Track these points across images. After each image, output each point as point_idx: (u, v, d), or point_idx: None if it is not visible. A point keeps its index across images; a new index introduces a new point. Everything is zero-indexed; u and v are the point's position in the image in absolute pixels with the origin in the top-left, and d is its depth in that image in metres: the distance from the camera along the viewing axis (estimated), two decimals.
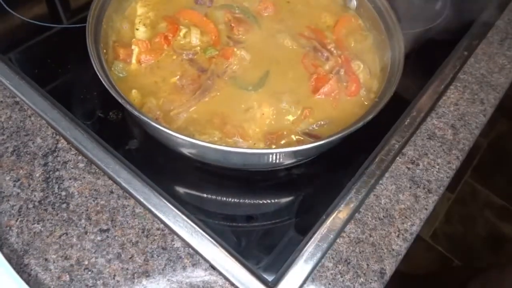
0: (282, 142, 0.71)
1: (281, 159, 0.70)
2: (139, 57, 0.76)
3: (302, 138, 0.72)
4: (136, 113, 0.62)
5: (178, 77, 0.76)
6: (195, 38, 0.80)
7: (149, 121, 0.62)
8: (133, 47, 0.77)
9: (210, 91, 0.74)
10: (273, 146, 0.70)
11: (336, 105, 0.76)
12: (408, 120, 0.82)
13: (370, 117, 0.67)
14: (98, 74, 0.65)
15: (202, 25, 0.82)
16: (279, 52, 0.82)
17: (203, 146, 0.62)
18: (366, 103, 0.76)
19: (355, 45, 0.85)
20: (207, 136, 0.69)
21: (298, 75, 0.79)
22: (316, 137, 0.71)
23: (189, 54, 0.78)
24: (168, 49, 0.78)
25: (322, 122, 0.74)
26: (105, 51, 0.73)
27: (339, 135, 0.65)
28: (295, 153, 0.68)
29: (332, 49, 0.82)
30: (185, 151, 0.70)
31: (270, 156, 0.66)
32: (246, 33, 0.83)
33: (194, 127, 0.70)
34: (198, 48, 0.79)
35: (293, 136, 0.72)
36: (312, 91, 0.77)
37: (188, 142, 0.62)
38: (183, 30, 0.80)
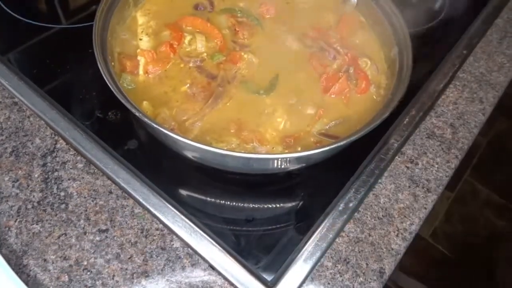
0: (299, 147, 0.71)
1: (300, 162, 0.69)
2: (146, 67, 0.75)
3: (319, 139, 0.72)
4: (155, 125, 0.61)
5: (188, 85, 0.75)
6: (200, 45, 0.79)
7: (169, 133, 0.61)
8: (139, 57, 0.76)
9: (222, 98, 0.74)
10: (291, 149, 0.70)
11: (347, 103, 0.76)
12: (407, 119, 0.82)
13: (387, 114, 0.67)
14: (111, 87, 0.64)
15: (206, 31, 0.81)
16: (286, 54, 0.81)
17: (232, 156, 0.62)
18: (377, 100, 0.77)
19: (360, 43, 0.85)
20: (225, 144, 0.69)
21: (308, 76, 0.79)
22: (334, 137, 0.71)
23: (196, 61, 0.77)
24: (174, 57, 0.78)
25: (336, 121, 0.74)
26: (112, 63, 0.72)
27: (360, 133, 0.64)
28: (316, 155, 0.66)
29: (338, 47, 0.82)
30: (203, 160, 0.69)
31: (289, 159, 0.66)
32: (251, 37, 0.82)
33: (211, 136, 0.70)
34: (205, 54, 0.79)
35: (311, 138, 0.72)
36: (323, 91, 0.77)
37: (213, 153, 0.61)
38: (188, 37, 0.79)
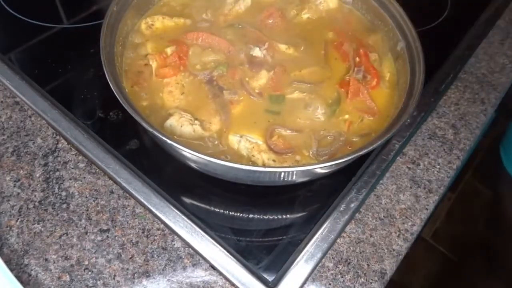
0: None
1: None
2: (158, 71, 0.75)
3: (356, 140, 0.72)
4: (160, 135, 0.61)
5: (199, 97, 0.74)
6: (208, 57, 0.78)
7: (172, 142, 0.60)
8: (150, 62, 0.76)
9: (235, 107, 0.73)
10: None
11: (371, 99, 0.76)
12: (408, 120, 0.82)
13: (413, 105, 0.68)
14: (122, 103, 0.63)
15: (213, 42, 0.80)
16: (299, 62, 0.80)
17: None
18: (391, 92, 0.78)
19: (365, 39, 0.85)
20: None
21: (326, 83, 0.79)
22: (367, 135, 0.72)
23: (205, 73, 0.76)
24: (183, 70, 0.77)
25: (366, 119, 0.74)
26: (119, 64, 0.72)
27: (394, 129, 0.64)
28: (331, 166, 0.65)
29: (347, 48, 0.82)
30: (207, 171, 0.69)
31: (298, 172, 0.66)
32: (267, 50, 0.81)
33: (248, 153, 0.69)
34: (213, 64, 0.77)
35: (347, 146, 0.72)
36: (345, 97, 0.77)
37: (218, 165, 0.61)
38: (194, 49, 0.78)
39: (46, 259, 0.64)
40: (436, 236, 1.90)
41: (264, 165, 0.67)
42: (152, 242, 0.66)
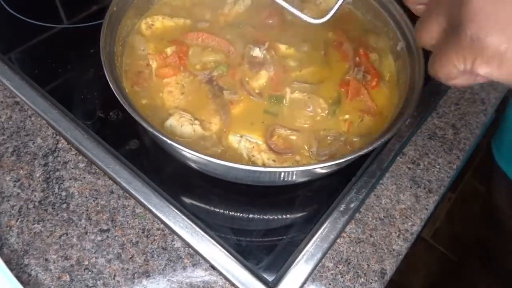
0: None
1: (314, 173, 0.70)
2: (158, 71, 0.75)
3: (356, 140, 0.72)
4: (160, 135, 0.61)
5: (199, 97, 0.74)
6: (208, 57, 0.78)
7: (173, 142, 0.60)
8: (150, 62, 0.75)
9: (235, 107, 0.73)
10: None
11: (371, 99, 0.76)
12: (408, 120, 0.82)
13: (413, 105, 0.68)
14: (122, 102, 0.63)
15: (213, 42, 0.80)
16: (299, 62, 0.80)
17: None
18: (391, 92, 0.77)
19: (365, 39, 0.84)
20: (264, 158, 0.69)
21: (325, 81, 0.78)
22: (366, 135, 0.72)
23: (205, 73, 0.76)
24: (183, 70, 0.76)
25: (366, 119, 0.74)
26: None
27: (393, 130, 0.64)
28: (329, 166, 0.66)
29: (347, 48, 0.81)
30: (208, 171, 0.69)
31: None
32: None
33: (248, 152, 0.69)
34: (213, 64, 0.77)
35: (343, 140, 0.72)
36: (345, 98, 0.76)
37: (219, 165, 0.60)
38: (194, 49, 0.78)
39: (46, 259, 0.64)
40: (436, 236, 1.90)
41: (264, 165, 0.67)
42: (152, 242, 0.66)
